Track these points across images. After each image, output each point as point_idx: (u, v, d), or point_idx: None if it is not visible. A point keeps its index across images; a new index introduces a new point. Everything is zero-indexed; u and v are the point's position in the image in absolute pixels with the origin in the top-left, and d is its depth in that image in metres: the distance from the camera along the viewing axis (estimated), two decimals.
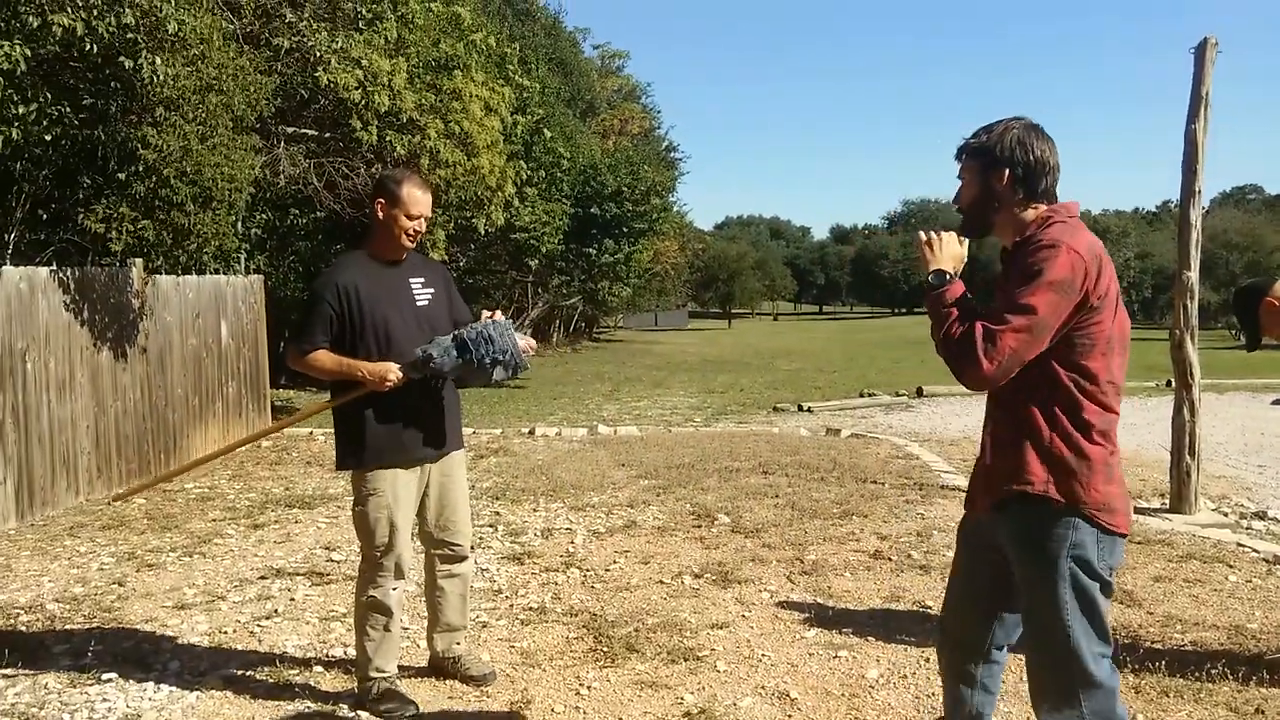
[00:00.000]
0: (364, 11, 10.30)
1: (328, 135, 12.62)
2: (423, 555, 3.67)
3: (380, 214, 3.30)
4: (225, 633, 4.24)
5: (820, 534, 5.68)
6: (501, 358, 3.22)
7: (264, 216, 13.02)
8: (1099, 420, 2.27)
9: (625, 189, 20.29)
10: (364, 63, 9.62)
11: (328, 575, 5.13)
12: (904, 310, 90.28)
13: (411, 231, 3.31)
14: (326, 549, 5.72)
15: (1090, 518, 2.23)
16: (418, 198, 3.30)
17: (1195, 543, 5.37)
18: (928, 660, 3.74)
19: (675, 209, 29.20)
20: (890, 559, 5.16)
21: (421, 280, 3.45)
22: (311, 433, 10.69)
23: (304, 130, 12.35)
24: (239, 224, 10.59)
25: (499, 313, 3.38)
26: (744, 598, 4.57)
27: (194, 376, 8.80)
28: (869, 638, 4.02)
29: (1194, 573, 4.80)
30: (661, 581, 4.84)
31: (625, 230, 20.90)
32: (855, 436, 9.90)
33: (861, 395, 15.40)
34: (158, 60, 6.80)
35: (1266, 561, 4.96)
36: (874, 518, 6.05)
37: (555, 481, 7.38)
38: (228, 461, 8.76)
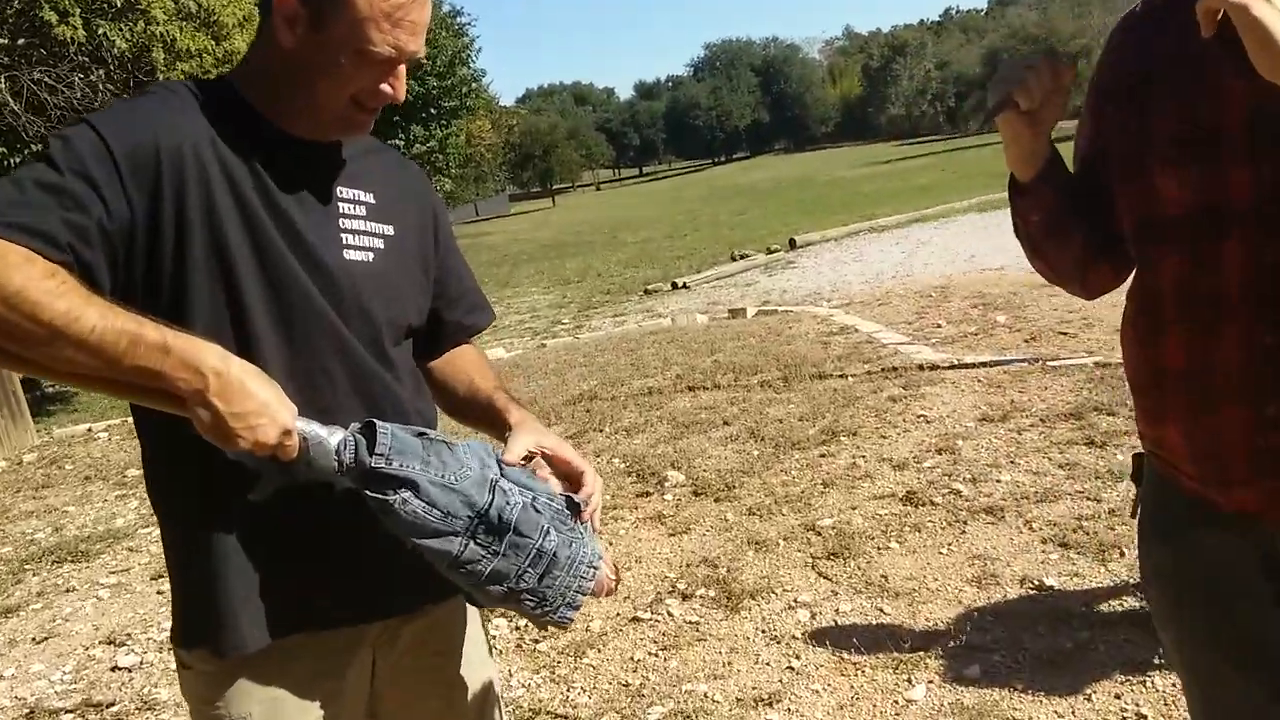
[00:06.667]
0: None
1: (21, 41, 9.63)
2: None
3: (289, 31, 1.19)
4: None
5: (813, 476, 4.14)
6: (549, 595, 1.26)
7: None
8: None
9: (425, 61, 17.53)
10: None
11: (111, 707, 3.22)
12: (722, 158, 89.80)
13: (376, 93, 1.25)
14: (109, 644, 3.77)
15: None
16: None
17: None
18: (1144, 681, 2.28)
19: (482, 81, 26.22)
20: (932, 502, 3.67)
21: (369, 199, 1.34)
22: (90, 429, 8.30)
23: None
24: None
25: (588, 476, 1.35)
26: (773, 628, 2.98)
27: None
28: (1006, 671, 2.53)
29: None
30: (636, 618, 3.18)
31: (434, 112, 18.25)
32: (765, 314, 8.41)
33: (733, 259, 13.98)
34: None
35: None
36: (866, 434, 4.56)
37: None
38: None
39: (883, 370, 5.56)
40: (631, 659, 2.94)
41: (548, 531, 1.25)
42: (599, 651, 3.01)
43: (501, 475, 1.26)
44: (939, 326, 6.69)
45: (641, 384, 6.21)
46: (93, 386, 1.18)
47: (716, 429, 4.99)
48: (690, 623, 3.09)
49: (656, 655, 2.94)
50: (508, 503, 1.23)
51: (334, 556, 1.29)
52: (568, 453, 1.36)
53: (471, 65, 22.08)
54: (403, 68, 1.26)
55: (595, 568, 1.31)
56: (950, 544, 3.32)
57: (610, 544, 3.82)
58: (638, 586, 3.41)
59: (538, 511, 1.25)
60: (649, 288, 12.41)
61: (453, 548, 1.21)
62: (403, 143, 18.26)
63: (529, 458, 1.34)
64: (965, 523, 3.45)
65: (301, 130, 1.27)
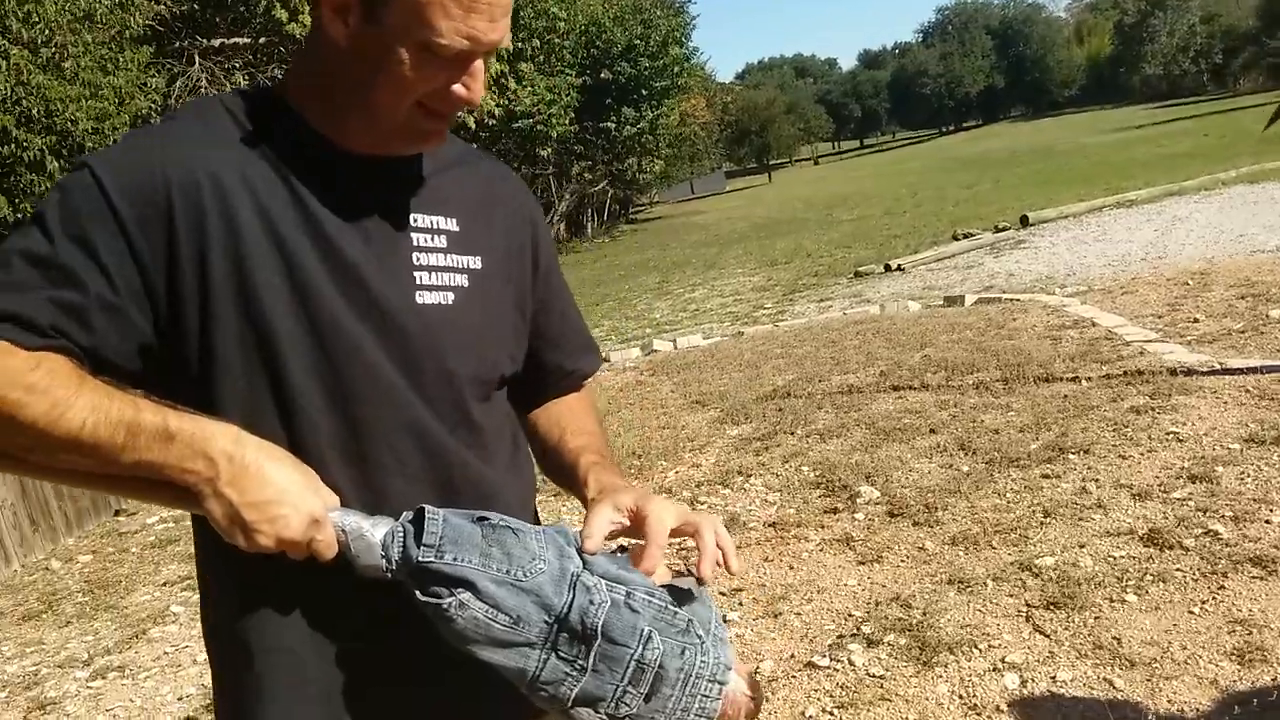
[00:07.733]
0: None
1: (263, 40, 10.40)
2: None
3: (339, 23, 0.94)
4: None
5: (1032, 502, 3.59)
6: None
7: None
8: None
9: (638, 42, 17.50)
10: None
11: None
12: (951, 128, 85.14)
13: (446, 97, 0.98)
14: None
15: None
16: None
17: None
18: None
19: (696, 59, 26.02)
20: (1182, 544, 3.05)
21: (452, 226, 1.08)
22: None
23: (232, 40, 10.13)
24: None
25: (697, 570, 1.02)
26: (972, 693, 2.54)
27: None
28: None
29: None
30: (811, 663, 2.82)
31: (645, 93, 18.22)
32: (984, 302, 7.65)
33: (955, 238, 12.96)
34: None
35: None
36: (1101, 452, 3.92)
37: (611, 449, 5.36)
38: None
39: (1124, 374, 4.81)
40: (803, 714, 2.60)
41: (649, 637, 0.96)
42: (766, 700, 2.68)
43: (585, 567, 0.99)
44: (1196, 321, 5.76)
45: (840, 380, 5.76)
46: (93, 485, 1.00)
47: (921, 437, 4.49)
48: (874, 676, 2.70)
49: (832, 713, 2.58)
50: (591, 601, 0.95)
51: (411, 670, 1.05)
52: (656, 510, 1.00)
53: (686, 44, 21.91)
54: (479, 63, 0.98)
55: (721, 682, 1.00)
56: (1204, 602, 2.72)
57: (791, 568, 3.47)
58: (818, 623, 3.05)
59: (634, 611, 0.97)
60: (860, 270, 11.72)
61: (529, 664, 0.95)
62: (614, 124, 18.38)
63: (618, 542, 1.05)
64: (1225, 575, 2.83)
65: (363, 145, 1.02)
